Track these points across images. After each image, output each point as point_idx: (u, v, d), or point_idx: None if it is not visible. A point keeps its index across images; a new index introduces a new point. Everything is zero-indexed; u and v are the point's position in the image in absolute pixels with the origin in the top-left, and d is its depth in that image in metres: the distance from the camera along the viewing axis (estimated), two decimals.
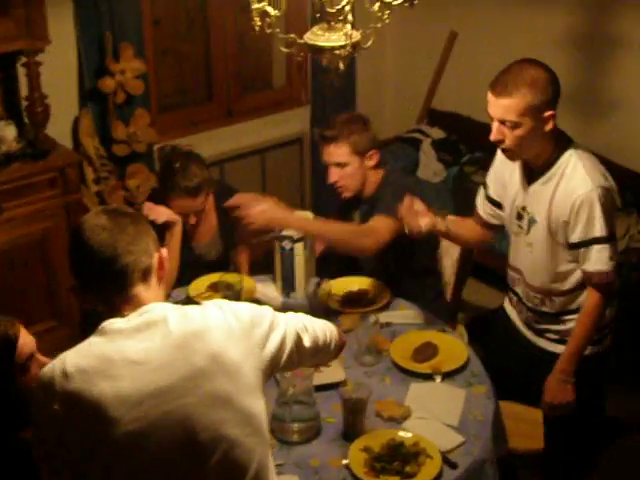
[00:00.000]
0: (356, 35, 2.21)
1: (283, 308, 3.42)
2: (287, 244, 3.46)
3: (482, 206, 3.28)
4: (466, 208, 3.58)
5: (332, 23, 2.12)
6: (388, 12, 2.10)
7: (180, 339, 1.94)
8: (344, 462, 2.63)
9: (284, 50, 2.32)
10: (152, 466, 1.92)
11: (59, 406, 1.89)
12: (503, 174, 3.15)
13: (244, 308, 2.10)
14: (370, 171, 3.62)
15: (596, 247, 2.89)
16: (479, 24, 5.41)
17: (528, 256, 3.08)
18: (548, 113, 2.82)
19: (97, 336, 1.95)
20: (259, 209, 3.21)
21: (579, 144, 2.98)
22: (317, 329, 2.29)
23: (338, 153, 3.54)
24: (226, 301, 2.12)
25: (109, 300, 1.98)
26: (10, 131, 4.16)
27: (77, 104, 4.64)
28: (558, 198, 2.92)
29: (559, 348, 3.13)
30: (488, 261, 4.41)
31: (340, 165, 3.57)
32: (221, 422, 1.96)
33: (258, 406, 2.05)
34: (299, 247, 3.46)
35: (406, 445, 2.65)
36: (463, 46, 5.58)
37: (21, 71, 4.20)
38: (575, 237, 2.91)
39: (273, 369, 2.14)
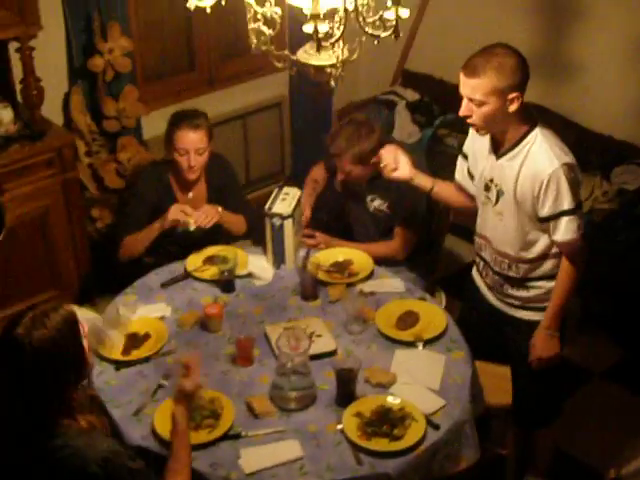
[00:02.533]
0: (345, 53, 2.42)
1: (275, 279, 3.71)
2: (277, 221, 3.68)
3: (462, 176, 3.52)
4: (440, 169, 3.81)
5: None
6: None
7: None
8: (339, 427, 2.90)
9: (278, 65, 2.52)
10: None
11: None
12: (474, 146, 3.40)
13: None
14: None
15: (565, 218, 3.13)
16: None
17: (498, 225, 3.32)
18: (513, 95, 3.05)
19: None
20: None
21: (543, 124, 3.19)
22: None
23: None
24: None
25: None
26: (7, 114, 4.23)
27: (67, 83, 4.78)
28: (524, 175, 3.15)
29: (520, 313, 3.42)
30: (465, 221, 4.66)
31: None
32: None
33: None
34: (288, 223, 3.68)
35: (394, 410, 2.93)
36: (436, 8, 5.70)
37: (13, 55, 4.30)
38: (545, 212, 3.15)
39: None
